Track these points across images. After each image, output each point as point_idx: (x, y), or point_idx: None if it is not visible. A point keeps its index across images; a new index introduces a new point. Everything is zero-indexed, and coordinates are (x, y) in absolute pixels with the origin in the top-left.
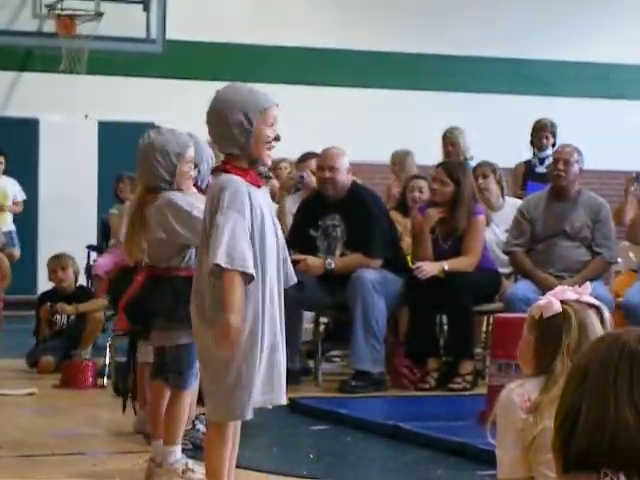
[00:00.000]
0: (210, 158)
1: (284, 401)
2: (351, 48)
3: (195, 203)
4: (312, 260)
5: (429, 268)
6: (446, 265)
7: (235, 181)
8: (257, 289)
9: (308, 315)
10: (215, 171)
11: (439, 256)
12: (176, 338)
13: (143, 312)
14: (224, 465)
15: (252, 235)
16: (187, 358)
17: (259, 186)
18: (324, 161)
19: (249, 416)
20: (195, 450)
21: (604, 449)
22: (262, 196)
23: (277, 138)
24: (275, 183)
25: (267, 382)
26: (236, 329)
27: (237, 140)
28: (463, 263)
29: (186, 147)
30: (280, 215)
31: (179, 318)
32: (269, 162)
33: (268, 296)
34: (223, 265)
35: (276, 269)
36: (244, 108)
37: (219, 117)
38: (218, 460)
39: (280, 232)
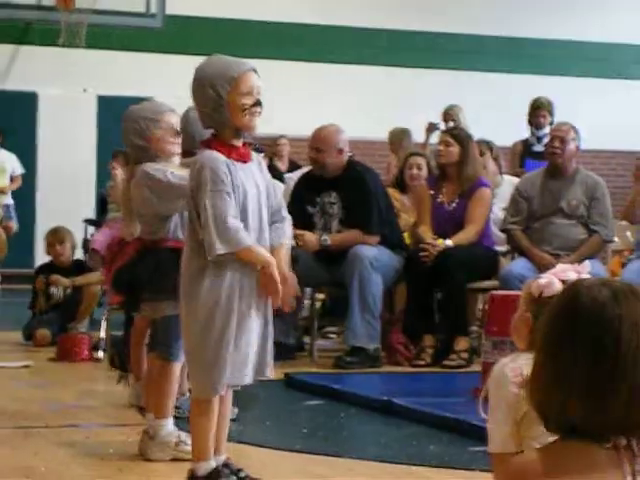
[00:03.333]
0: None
1: (248, 381)
2: (350, 25)
3: (171, 170)
4: (308, 236)
5: (434, 252)
6: (450, 242)
7: (214, 158)
8: (234, 269)
9: (304, 291)
10: (201, 146)
11: (443, 219)
12: (163, 309)
13: (127, 283)
14: (208, 439)
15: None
16: (175, 330)
17: (245, 161)
18: (311, 142)
19: (219, 393)
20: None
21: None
22: (248, 172)
23: (257, 103)
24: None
25: (238, 361)
26: (271, 266)
27: (212, 116)
28: (466, 234)
29: (159, 112)
30: None
31: (165, 289)
32: (254, 129)
33: (247, 275)
34: (225, 252)
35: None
36: (212, 82)
37: (196, 94)
38: (201, 435)
39: (275, 199)
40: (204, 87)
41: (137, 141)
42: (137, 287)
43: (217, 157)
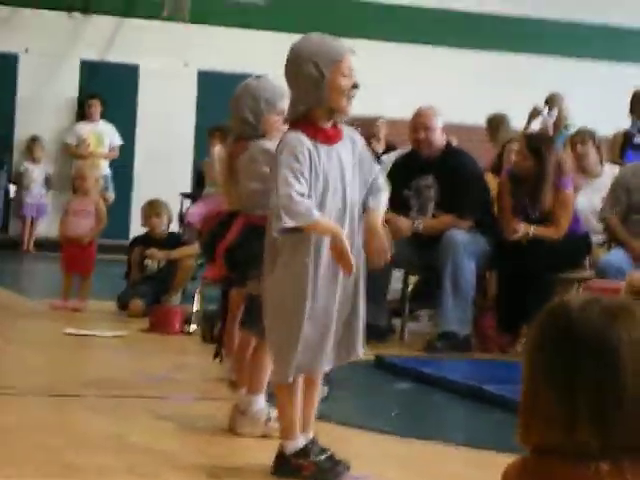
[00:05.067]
0: None
1: (325, 368)
2: (455, 9)
3: None
4: (401, 221)
5: (520, 229)
6: (532, 229)
7: (297, 139)
8: (309, 253)
9: (396, 273)
10: (287, 125)
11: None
12: None
13: (241, 260)
14: (293, 418)
15: (309, 196)
16: None
17: (332, 143)
18: (419, 121)
19: (288, 380)
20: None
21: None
22: (333, 154)
23: (355, 86)
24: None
25: (312, 347)
26: (338, 236)
27: (311, 93)
28: (550, 234)
29: (279, 97)
30: None
31: None
32: (349, 112)
33: (324, 261)
34: (290, 226)
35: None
36: (315, 60)
37: (292, 71)
38: (286, 414)
39: (370, 171)
40: (305, 64)
41: (250, 118)
42: (248, 263)
43: (300, 138)
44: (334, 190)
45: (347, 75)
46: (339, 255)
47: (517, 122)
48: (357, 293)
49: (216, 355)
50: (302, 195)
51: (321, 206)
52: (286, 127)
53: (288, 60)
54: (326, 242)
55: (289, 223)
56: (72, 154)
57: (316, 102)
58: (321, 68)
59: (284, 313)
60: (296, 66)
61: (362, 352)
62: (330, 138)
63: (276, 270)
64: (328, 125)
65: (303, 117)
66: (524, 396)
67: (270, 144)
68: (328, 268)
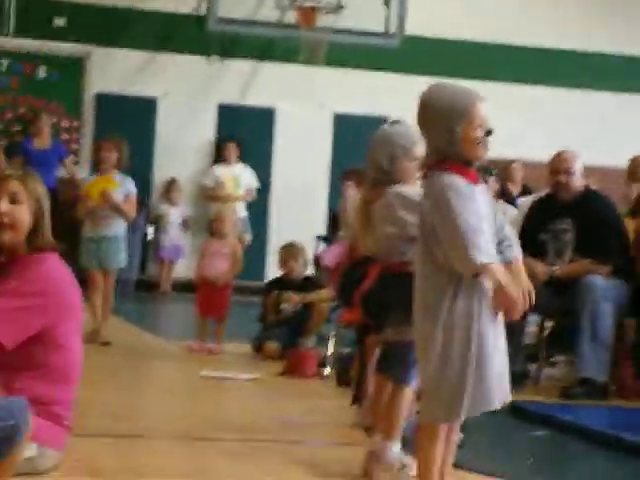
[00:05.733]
0: None
1: (493, 407)
2: (589, 51)
3: None
4: (538, 267)
5: None
6: None
7: (456, 180)
8: (472, 292)
9: (532, 318)
10: (432, 169)
11: None
12: (406, 333)
13: (380, 306)
14: (434, 465)
15: None
16: (411, 354)
17: (477, 183)
18: (560, 164)
19: (460, 420)
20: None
21: None
22: (481, 193)
23: (489, 133)
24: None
25: (480, 387)
26: (508, 286)
27: (445, 145)
28: None
29: (413, 142)
30: None
31: (411, 314)
32: (484, 158)
33: (485, 297)
34: (485, 261)
35: None
36: (445, 118)
37: (425, 126)
38: (428, 460)
39: (497, 218)
40: (435, 122)
41: (385, 165)
42: (386, 309)
43: (458, 179)
44: (487, 230)
45: (479, 125)
46: (509, 302)
47: None
48: (502, 336)
49: (354, 400)
50: (482, 233)
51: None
52: (419, 174)
53: (419, 113)
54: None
55: (483, 259)
56: (209, 197)
57: (452, 156)
58: (452, 124)
59: (452, 359)
60: (429, 121)
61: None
62: (476, 179)
63: (440, 317)
64: (469, 167)
65: (445, 161)
66: None
67: (407, 190)
68: (489, 312)
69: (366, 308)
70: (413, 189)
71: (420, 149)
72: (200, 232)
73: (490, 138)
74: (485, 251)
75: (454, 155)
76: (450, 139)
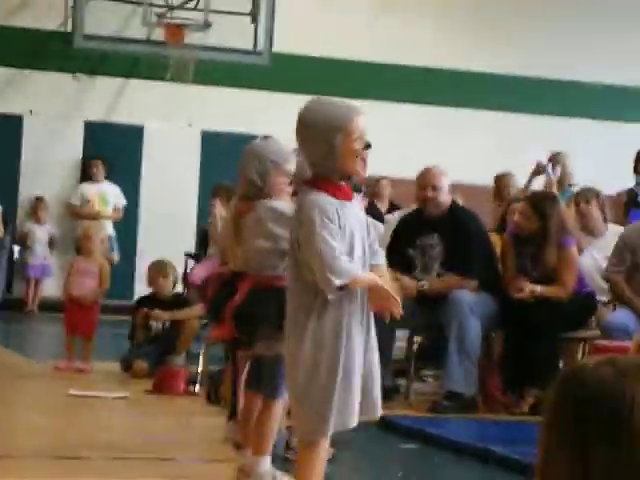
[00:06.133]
0: None
1: (353, 425)
2: (455, 67)
3: None
4: (406, 281)
5: (525, 288)
6: (539, 289)
7: (323, 199)
8: (339, 308)
9: (400, 333)
10: (305, 185)
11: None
12: (278, 347)
13: (250, 321)
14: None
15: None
16: (282, 368)
17: (349, 199)
18: (426, 180)
19: (326, 435)
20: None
21: None
22: (353, 210)
23: (367, 146)
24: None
25: (346, 403)
26: (378, 283)
27: (324, 163)
28: (556, 293)
29: (285, 159)
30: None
31: (282, 328)
32: (364, 174)
33: (353, 314)
34: (341, 283)
35: (361, 289)
36: (323, 130)
37: (303, 140)
38: (311, 476)
39: (369, 235)
40: (314, 135)
41: (256, 180)
42: (257, 324)
43: (327, 198)
44: (357, 247)
45: (358, 138)
46: (383, 299)
47: (522, 182)
48: (375, 351)
49: (230, 416)
50: (341, 253)
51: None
52: (290, 189)
53: (298, 128)
54: (356, 298)
55: (339, 282)
56: (76, 215)
57: (330, 170)
58: (330, 138)
59: (319, 373)
60: (306, 135)
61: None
62: (348, 195)
63: (308, 331)
64: (343, 183)
65: (319, 176)
66: (539, 459)
67: (277, 203)
68: (359, 325)
69: (237, 323)
70: (284, 203)
71: (291, 165)
72: (67, 250)
73: (367, 153)
74: (345, 272)
75: (331, 170)
76: (328, 151)
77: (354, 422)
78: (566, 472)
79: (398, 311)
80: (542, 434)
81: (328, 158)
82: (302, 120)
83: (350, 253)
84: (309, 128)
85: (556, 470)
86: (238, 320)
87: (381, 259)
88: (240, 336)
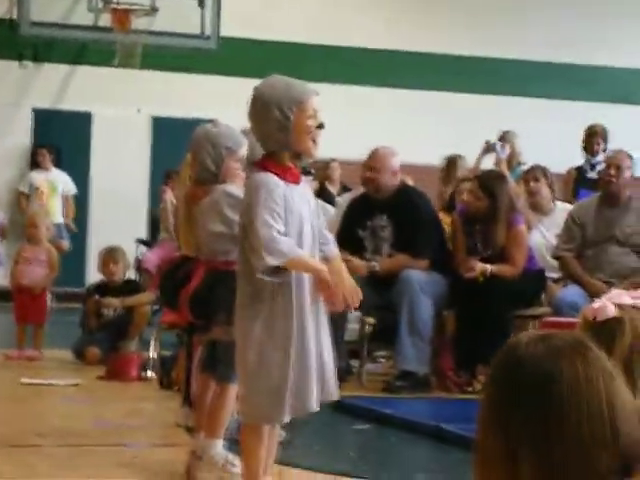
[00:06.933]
0: None
1: (313, 409)
2: (409, 50)
3: None
4: (356, 262)
5: (476, 267)
6: (490, 268)
7: (271, 181)
8: (290, 291)
9: (353, 314)
10: (254, 167)
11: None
12: (233, 332)
13: (207, 306)
14: (260, 464)
15: (288, 236)
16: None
17: (298, 182)
18: (368, 161)
19: (284, 420)
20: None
21: None
22: (301, 193)
23: (320, 126)
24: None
25: (299, 388)
26: (322, 272)
27: (277, 137)
28: (507, 272)
29: (239, 144)
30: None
31: None
32: (315, 153)
33: (303, 299)
34: (274, 263)
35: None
36: (279, 103)
37: (256, 114)
38: (254, 460)
39: (318, 219)
40: (269, 107)
41: (210, 165)
42: (214, 309)
43: (274, 180)
44: (306, 230)
45: (312, 116)
46: (326, 290)
47: (471, 162)
48: (326, 334)
49: (184, 401)
50: (281, 234)
51: (299, 245)
52: (244, 174)
53: (252, 103)
54: (307, 282)
55: (273, 262)
56: (24, 202)
57: (282, 145)
58: (285, 111)
59: (272, 357)
60: (260, 109)
61: (337, 396)
62: (296, 177)
63: (259, 315)
64: (292, 165)
65: (269, 158)
66: (477, 435)
67: (233, 188)
68: (310, 309)
69: (193, 308)
70: (239, 188)
71: (244, 150)
72: (16, 239)
73: (320, 132)
74: (280, 253)
75: (284, 144)
76: (282, 125)
77: (314, 406)
78: (499, 450)
79: (352, 302)
80: (480, 410)
81: (282, 131)
82: (259, 93)
83: (300, 238)
84: (265, 101)
85: (490, 446)
86: (194, 305)
87: (334, 247)
88: (196, 321)
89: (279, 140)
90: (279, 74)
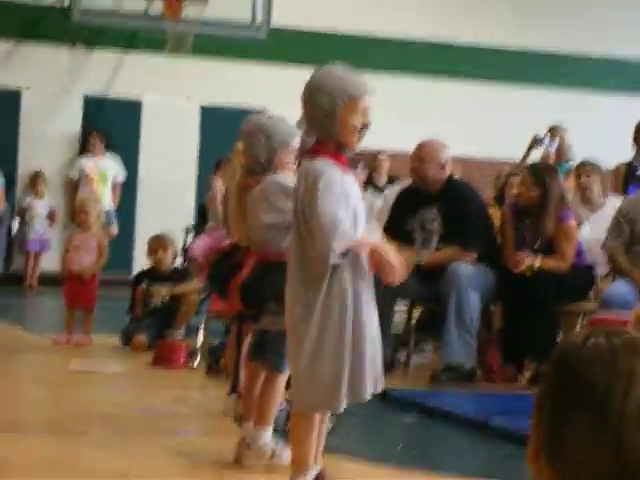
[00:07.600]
0: None
1: (367, 397)
2: (459, 43)
3: None
4: (405, 254)
5: (525, 261)
6: (538, 262)
7: (329, 166)
8: (347, 279)
9: (400, 306)
10: (308, 154)
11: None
12: (284, 322)
13: (258, 296)
14: (311, 453)
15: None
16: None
17: (349, 170)
18: (415, 153)
19: (341, 409)
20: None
21: None
22: (351, 182)
23: (365, 126)
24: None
25: (353, 376)
26: (379, 247)
27: (322, 123)
28: (555, 266)
29: (291, 136)
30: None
31: None
32: (356, 149)
33: (358, 285)
34: (342, 247)
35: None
36: (330, 92)
37: (307, 99)
38: (304, 449)
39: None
40: (319, 92)
41: (263, 156)
42: (265, 299)
43: (331, 165)
44: (361, 213)
45: (360, 114)
46: (380, 263)
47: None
48: (377, 322)
49: (232, 389)
50: (343, 219)
51: (355, 228)
52: (295, 165)
53: (306, 87)
54: (362, 268)
55: (338, 246)
56: (75, 188)
57: (327, 132)
58: (335, 101)
59: (328, 345)
60: (311, 93)
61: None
62: (348, 166)
63: (314, 303)
64: (341, 154)
65: (321, 145)
66: (531, 431)
67: (284, 178)
68: (366, 295)
69: (244, 297)
70: (290, 177)
71: (297, 141)
72: (67, 225)
73: (365, 132)
74: (346, 237)
75: (329, 130)
76: (328, 116)
77: (368, 395)
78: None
79: (399, 276)
80: (535, 407)
81: (327, 119)
82: (315, 77)
83: (355, 220)
84: (318, 86)
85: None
86: (245, 295)
87: (376, 233)
88: (247, 310)
89: (324, 127)
90: (329, 64)
